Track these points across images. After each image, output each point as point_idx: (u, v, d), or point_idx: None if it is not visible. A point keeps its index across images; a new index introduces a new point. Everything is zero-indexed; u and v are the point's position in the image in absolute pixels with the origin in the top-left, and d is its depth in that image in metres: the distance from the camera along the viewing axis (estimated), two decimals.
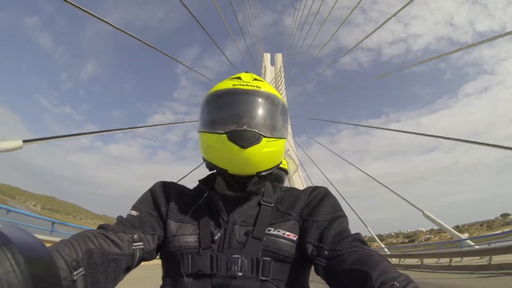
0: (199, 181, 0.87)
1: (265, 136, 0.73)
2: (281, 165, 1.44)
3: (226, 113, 0.77)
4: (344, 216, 0.75)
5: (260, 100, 0.77)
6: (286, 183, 1.68)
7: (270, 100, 0.78)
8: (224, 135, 0.72)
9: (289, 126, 0.96)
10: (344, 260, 0.60)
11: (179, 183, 0.90)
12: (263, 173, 0.77)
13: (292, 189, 0.86)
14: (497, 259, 8.96)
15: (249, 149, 0.71)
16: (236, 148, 0.71)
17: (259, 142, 0.72)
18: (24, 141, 4.24)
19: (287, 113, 0.84)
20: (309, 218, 0.74)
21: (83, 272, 0.54)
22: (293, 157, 1.63)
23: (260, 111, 0.76)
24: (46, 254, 0.31)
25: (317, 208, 0.75)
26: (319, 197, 0.78)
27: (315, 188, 0.82)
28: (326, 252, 0.65)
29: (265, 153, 0.73)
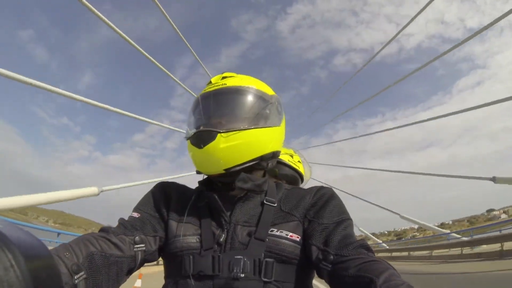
0: (199, 182, 0.83)
1: (219, 132, 0.68)
2: (297, 167, 1.41)
3: (194, 119, 0.76)
4: (349, 219, 0.71)
5: (220, 97, 0.74)
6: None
7: (235, 92, 0.74)
8: (188, 140, 0.73)
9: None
10: (349, 266, 0.57)
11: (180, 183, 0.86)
12: (236, 169, 0.70)
13: (296, 189, 0.81)
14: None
15: (205, 148, 0.68)
16: (195, 149, 0.70)
17: (213, 140, 0.68)
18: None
19: (270, 102, 0.76)
20: (315, 220, 0.69)
21: (84, 276, 0.51)
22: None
23: (220, 107, 0.73)
24: (46, 254, 0.29)
25: (322, 210, 0.71)
26: (324, 198, 0.74)
27: (320, 189, 0.77)
28: (332, 257, 0.61)
29: (223, 148, 0.68)
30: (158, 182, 0.82)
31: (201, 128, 0.70)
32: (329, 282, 0.61)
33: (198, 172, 0.78)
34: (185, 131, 0.79)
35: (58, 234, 10.28)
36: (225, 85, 0.74)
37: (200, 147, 0.69)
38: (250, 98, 0.74)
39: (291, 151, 1.51)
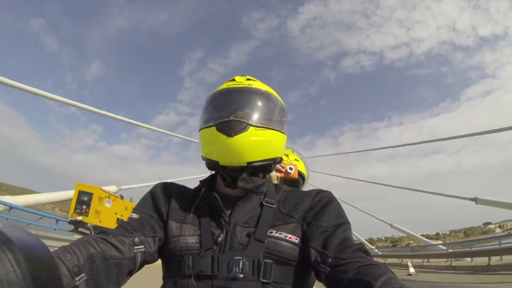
0: (200, 181, 0.82)
1: (252, 125, 0.70)
2: (299, 169, 1.35)
3: (218, 109, 0.75)
4: (348, 223, 0.70)
5: (250, 94, 0.75)
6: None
7: (262, 94, 0.76)
8: (214, 127, 0.70)
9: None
10: (347, 269, 0.57)
11: (180, 183, 0.85)
12: (256, 164, 0.71)
13: (295, 191, 0.81)
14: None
15: (235, 137, 0.68)
16: (223, 137, 0.68)
17: (246, 130, 0.68)
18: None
19: (284, 111, 0.80)
20: (314, 223, 0.69)
21: (85, 278, 0.52)
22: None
23: (249, 103, 0.74)
24: (47, 254, 0.29)
25: (321, 213, 0.70)
26: (323, 201, 0.73)
27: (319, 192, 0.77)
28: (330, 260, 0.61)
29: (253, 141, 0.69)
30: (157, 182, 0.82)
31: (232, 117, 0.70)
32: (327, 284, 0.61)
33: (209, 165, 0.76)
34: (200, 123, 0.77)
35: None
36: (251, 86, 0.77)
37: (230, 135, 0.68)
38: (276, 104, 0.77)
39: (288, 151, 1.46)
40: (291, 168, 1.27)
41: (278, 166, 1.20)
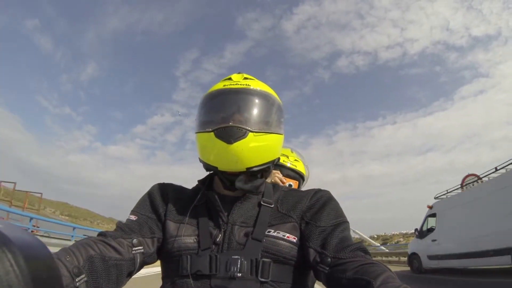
0: (198, 181, 0.81)
1: (251, 131, 0.67)
2: (294, 167, 1.35)
3: (215, 112, 0.72)
4: (346, 222, 0.70)
5: (248, 96, 0.72)
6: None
7: (260, 95, 0.73)
8: (212, 133, 0.68)
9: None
10: (346, 268, 0.56)
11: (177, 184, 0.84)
12: (255, 169, 0.70)
13: (293, 190, 0.80)
14: None
15: (235, 144, 0.66)
16: (222, 144, 0.66)
17: (245, 137, 0.66)
18: None
19: (282, 110, 0.77)
20: (312, 223, 0.68)
21: (85, 279, 0.51)
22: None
23: (248, 107, 0.71)
24: (47, 254, 0.28)
25: (320, 212, 0.69)
26: (322, 200, 0.72)
27: (318, 191, 0.76)
28: (329, 259, 0.60)
29: (252, 147, 0.67)
30: (155, 183, 0.81)
31: (231, 123, 0.67)
32: (326, 284, 0.60)
33: (207, 169, 0.75)
34: (197, 125, 0.75)
35: (74, 228, 10.68)
36: (249, 86, 0.73)
37: (230, 143, 0.66)
38: (274, 105, 0.74)
39: (288, 151, 1.44)
40: (290, 185, 1.27)
41: (279, 179, 1.21)
